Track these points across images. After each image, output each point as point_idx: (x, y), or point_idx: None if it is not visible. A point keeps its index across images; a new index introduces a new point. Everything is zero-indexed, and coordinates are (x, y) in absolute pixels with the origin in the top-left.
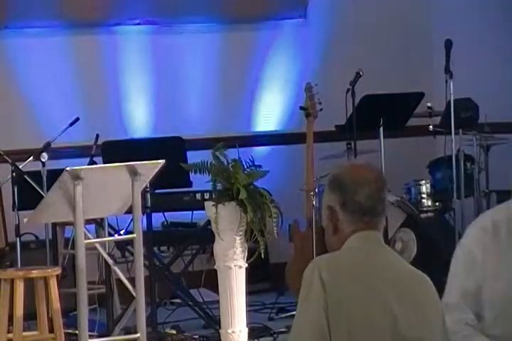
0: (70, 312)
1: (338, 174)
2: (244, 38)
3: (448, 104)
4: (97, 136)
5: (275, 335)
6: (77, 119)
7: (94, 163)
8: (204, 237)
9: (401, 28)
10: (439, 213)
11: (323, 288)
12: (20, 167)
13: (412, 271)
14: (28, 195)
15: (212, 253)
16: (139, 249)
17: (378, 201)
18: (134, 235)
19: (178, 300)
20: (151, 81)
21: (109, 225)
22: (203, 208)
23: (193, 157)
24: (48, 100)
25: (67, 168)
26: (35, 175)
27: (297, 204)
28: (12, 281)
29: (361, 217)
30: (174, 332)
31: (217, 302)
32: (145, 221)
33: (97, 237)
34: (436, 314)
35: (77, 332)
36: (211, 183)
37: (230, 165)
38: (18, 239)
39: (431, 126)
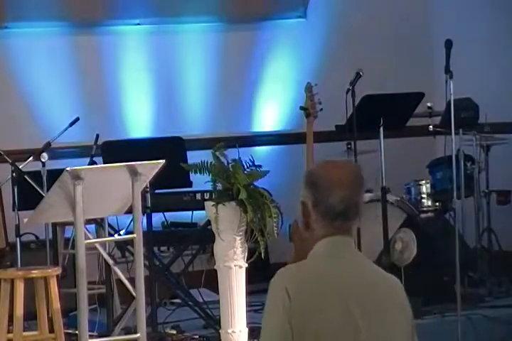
0: (70, 312)
1: (314, 171)
2: (244, 38)
3: (448, 104)
4: (97, 136)
5: None
6: (77, 119)
7: (94, 163)
8: (204, 237)
9: (401, 28)
10: (439, 213)
11: (289, 299)
12: (20, 167)
13: (382, 277)
14: (28, 195)
15: (212, 253)
16: (139, 249)
17: (352, 205)
18: (134, 235)
19: (178, 300)
20: (151, 81)
21: (109, 225)
22: (203, 208)
23: (193, 157)
24: (48, 100)
25: (67, 168)
26: (35, 175)
27: (297, 204)
28: (12, 281)
29: (332, 220)
30: (174, 332)
31: (217, 302)
32: (145, 221)
33: (97, 237)
34: (401, 322)
35: (77, 332)
36: (211, 183)
37: (230, 165)
38: (18, 239)
39: (431, 126)
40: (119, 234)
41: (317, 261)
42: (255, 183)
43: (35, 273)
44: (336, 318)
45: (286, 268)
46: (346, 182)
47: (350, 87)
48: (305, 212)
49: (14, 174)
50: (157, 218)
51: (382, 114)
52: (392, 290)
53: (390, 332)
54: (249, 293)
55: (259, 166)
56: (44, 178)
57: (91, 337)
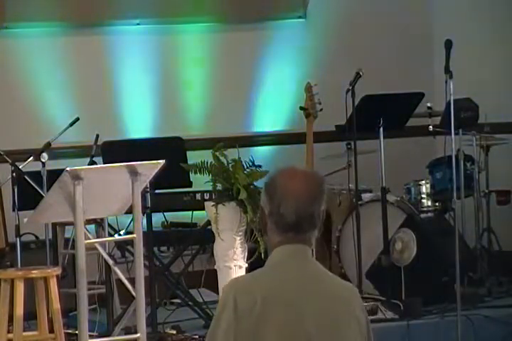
0: (70, 312)
1: (272, 178)
2: (244, 38)
3: (448, 104)
4: (97, 136)
5: None
6: (77, 119)
7: (94, 163)
8: (204, 237)
9: (401, 28)
10: (439, 213)
11: (235, 313)
12: (20, 167)
13: (337, 288)
14: (28, 195)
15: (212, 253)
16: (139, 249)
17: (305, 217)
18: (134, 235)
19: (178, 300)
20: (151, 81)
21: (109, 225)
22: (203, 208)
23: (193, 157)
24: (48, 100)
25: (67, 168)
26: (35, 175)
27: None
28: (12, 281)
29: (285, 231)
30: (174, 332)
31: (217, 302)
32: (145, 221)
33: (97, 237)
34: (356, 337)
35: (77, 332)
36: (211, 183)
37: (230, 165)
38: (18, 239)
39: (431, 126)
40: (119, 234)
41: (272, 271)
42: (255, 183)
43: (35, 273)
44: (287, 329)
45: (239, 278)
46: (300, 194)
47: (350, 87)
48: (262, 217)
49: (14, 174)
50: (157, 218)
51: (382, 114)
52: (348, 302)
53: None
54: None
55: (259, 166)
56: (44, 178)
57: (91, 337)
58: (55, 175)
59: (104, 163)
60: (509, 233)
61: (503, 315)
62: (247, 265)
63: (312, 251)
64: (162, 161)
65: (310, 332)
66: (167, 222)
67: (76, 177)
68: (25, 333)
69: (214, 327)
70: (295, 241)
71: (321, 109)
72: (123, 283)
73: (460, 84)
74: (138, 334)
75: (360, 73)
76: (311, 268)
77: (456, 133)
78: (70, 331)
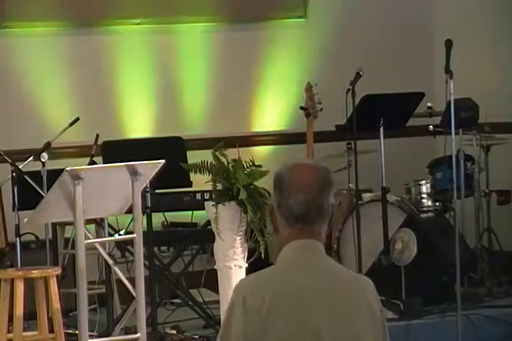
0: (70, 312)
1: (279, 172)
2: (245, 38)
3: (448, 104)
4: (97, 136)
5: None
6: (77, 119)
7: (94, 163)
8: (204, 237)
9: (401, 28)
10: (439, 213)
11: (245, 314)
12: (20, 167)
13: (350, 280)
14: (28, 195)
15: (212, 253)
16: (139, 249)
17: (313, 208)
18: (134, 235)
19: (178, 300)
20: (151, 81)
21: (109, 225)
22: (203, 208)
23: (193, 157)
24: (48, 100)
25: (67, 168)
26: (35, 175)
27: None
28: (12, 281)
29: (293, 223)
30: (174, 332)
31: (217, 302)
32: (145, 221)
33: (97, 237)
34: (371, 326)
35: (77, 332)
36: (211, 183)
37: (230, 165)
38: (18, 239)
39: (431, 126)
40: (119, 234)
41: (282, 269)
42: (255, 183)
43: (35, 273)
44: (299, 329)
45: (248, 278)
46: (308, 185)
47: (350, 87)
48: (272, 214)
49: (14, 174)
50: (157, 218)
51: (382, 113)
52: (361, 293)
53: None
54: None
55: (259, 166)
56: (44, 178)
57: (91, 337)
58: (55, 175)
59: (104, 163)
60: (509, 233)
61: (503, 315)
62: (247, 265)
63: (323, 245)
64: (162, 161)
65: (319, 327)
66: (167, 222)
67: (76, 177)
68: (25, 333)
69: (225, 328)
70: (304, 234)
71: (321, 109)
72: (123, 283)
73: (460, 84)
74: (138, 334)
75: (360, 73)
76: (321, 263)
77: (457, 133)
78: (70, 331)
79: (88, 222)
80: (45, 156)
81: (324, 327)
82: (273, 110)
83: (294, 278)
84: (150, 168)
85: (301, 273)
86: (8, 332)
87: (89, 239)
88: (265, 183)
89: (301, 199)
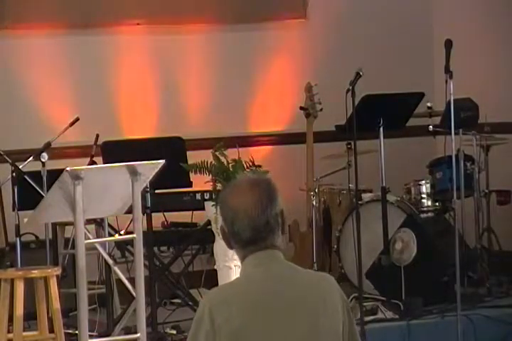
0: (70, 312)
1: (222, 195)
2: (245, 38)
3: (448, 104)
4: (97, 136)
5: None
6: (77, 119)
7: (94, 163)
8: (204, 237)
9: (401, 28)
10: (439, 213)
11: (212, 326)
12: (20, 167)
13: (311, 278)
14: (28, 195)
15: (212, 253)
16: (139, 249)
17: (261, 228)
18: (134, 235)
19: (178, 300)
20: (151, 81)
21: (109, 225)
22: (203, 208)
23: (193, 157)
24: (48, 100)
25: (67, 168)
26: (35, 175)
27: (297, 204)
28: (12, 281)
29: (244, 245)
30: (174, 332)
31: None
32: (145, 221)
33: (97, 237)
34: (339, 320)
35: (77, 332)
36: (211, 183)
37: (230, 165)
38: (18, 239)
39: (431, 126)
40: (119, 234)
41: (245, 280)
42: None
43: (35, 273)
44: (268, 335)
45: (213, 291)
46: (250, 208)
47: (350, 87)
48: (224, 237)
49: (14, 174)
50: (157, 218)
51: (382, 114)
52: (326, 290)
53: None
54: None
55: (259, 166)
56: (44, 178)
57: (91, 337)
58: (55, 175)
59: (104, 163)
60: (509, 233)
61: (503, 315)
62: None
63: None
64: (162, 161)
65: (293, 330)
66: (167, 222)
67: (76, 177)
68: (25, 333)
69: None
70: (258, 249)
71: (321, 109)
72: (123, 283)
73: (460, 84)
74: (138, 334)
75: (360, 73)
76: (281, 269)
77: (456, 133)
78: (70, 331)
79: (88, 222)
80: (45, 156)
81: (297, 329)
82: (273, 110)
83: (259, 288)
84: (150, 168)
85: (265, 283)
86: (8, 332)
87: (89, 239)
88: None
89: (246, 224)
